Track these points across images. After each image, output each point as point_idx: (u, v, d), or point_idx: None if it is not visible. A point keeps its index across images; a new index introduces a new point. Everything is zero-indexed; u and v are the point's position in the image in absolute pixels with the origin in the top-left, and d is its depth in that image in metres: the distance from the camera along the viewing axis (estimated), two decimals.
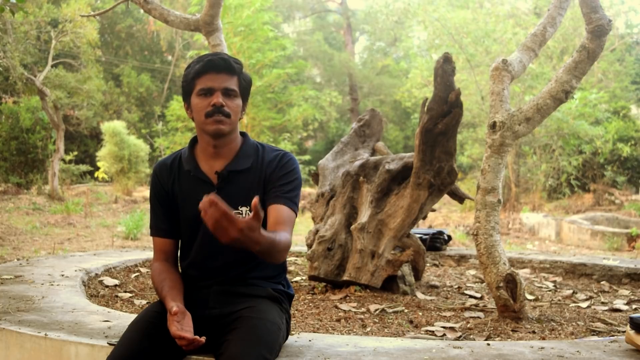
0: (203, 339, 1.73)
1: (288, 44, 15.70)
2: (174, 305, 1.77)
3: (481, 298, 3.65)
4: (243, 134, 2.03)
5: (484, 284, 4.02)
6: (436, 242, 5.16)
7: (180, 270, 2.03)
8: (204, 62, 1.87)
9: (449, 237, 5.38)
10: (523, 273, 4.55)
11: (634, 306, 3.52)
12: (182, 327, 1.74)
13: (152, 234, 2.02)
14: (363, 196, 3.74)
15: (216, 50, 4.33)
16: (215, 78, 1.86)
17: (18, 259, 4.48)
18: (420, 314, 3.12)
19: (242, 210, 1.92)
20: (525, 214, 11.18)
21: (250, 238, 1.56)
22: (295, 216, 1.92)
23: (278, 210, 1.88)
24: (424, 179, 3.44)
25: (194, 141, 2.00)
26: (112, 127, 14.44)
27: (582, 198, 13.37)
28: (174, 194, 1.98)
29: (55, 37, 12.60)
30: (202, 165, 1.96)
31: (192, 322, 1.78)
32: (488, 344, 2.21)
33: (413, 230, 4.22)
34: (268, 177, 1.93)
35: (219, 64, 1.87)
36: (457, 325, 2.86)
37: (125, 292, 3.47)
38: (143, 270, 4.13)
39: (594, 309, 3.41)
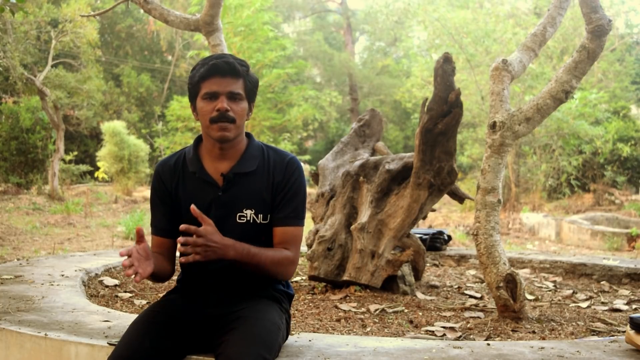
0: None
1: (288, 44, 15.71)
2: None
3: (481, 298, 3.65)
4: (248, 135, 2.01)
5: (484, 284, 4.02)
6: (436, 242, 5.16)
7: (181, 270, 2.03)
8: (208, 66, 1.86)
9: (449, 237, 5.38)
10: (523, 273, 4.55)
11: (634, 306, 3.52)
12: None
13: (152, 233, 2.01)
14: (363, 196, 3.74)
15: (216, 50, 4.33)
16: (220, 82, 1.85)
17: (18, 259, 4.48)
18: (420, 314, 3.12)
19: (246, 213, 1.91)
20: (525, 214, 11.18)
21: (216, 242, 1.75)
22: (302, 228, 1.97)
23: (283, 233, 1.93)
24: (424, 179, 3.44)
25: (198, 140, 1.99)
26: (112, 127, 14.45)
27: (582, 198, 13.37)
28: (177, 194, 1.96)
29: (55, 37, 12.61)
30: (207, 167, 1.94)
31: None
32: (488, 344, 2.22)
33: (413, 230, 4.22)
34: (277, 185, 1.94)
35: (223, 68, 1.85)
36: (457, 325, 2.86)
37: (125, 292, 3.47)
38: None
39: (594, 309, 3.41)
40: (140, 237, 1.76)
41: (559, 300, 3.68)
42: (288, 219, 1.93)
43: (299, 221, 1.95)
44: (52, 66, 12.75)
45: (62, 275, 3.49)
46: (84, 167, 15.35)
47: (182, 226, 1.73)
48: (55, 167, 11.90)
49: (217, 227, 1.92)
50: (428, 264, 4.75)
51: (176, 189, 1.96)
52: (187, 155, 1.98)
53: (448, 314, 3.15)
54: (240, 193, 1.92)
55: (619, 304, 3.53)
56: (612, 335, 2.70)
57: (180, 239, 1.71)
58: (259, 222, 1.92)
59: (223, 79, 1.85)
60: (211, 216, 1.91)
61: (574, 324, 2.97)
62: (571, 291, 3.93)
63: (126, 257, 1.70)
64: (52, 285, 3.20)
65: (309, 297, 3.45)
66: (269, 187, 1.93)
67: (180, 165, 1.98)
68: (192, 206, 1.76)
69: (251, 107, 1.96)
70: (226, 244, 1.77)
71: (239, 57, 1.95)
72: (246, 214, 1.91)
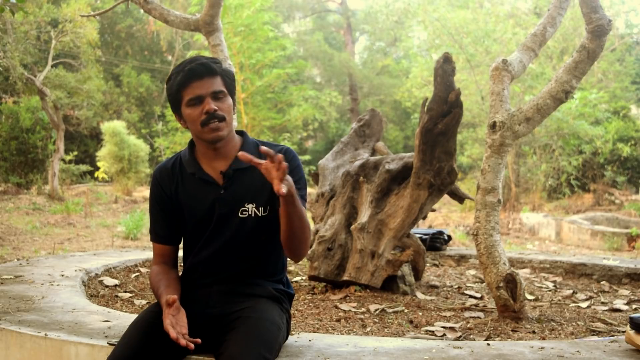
0: (193, 344, 1.70)
1: (288, 44, 15.70)
2: (170, 296, 1.75)
3: (481, 298, 3.65)
4: (242, 133, 2.02)
5: (484, 284, 4.02)
6: (436, 242, 5.16)
7: (184, 268, 2.03)
8: (184, 73, 1.86)
9: (449, 237, 5.38)
10: (523, 273, 4.55)
11: (634, 306, 3.52)
12: (177, 321, 1.73)
13: (153, 240, 2.02)
14: (363, 196, 3.74)
15: (216, 50, 4.33)
16: (201, 85, 1.85)
17: (18, 259, 4.48)
18: (420, 314, 3.12)
19: (248, 208, 1.92)
20: (525, 214, 11.18)
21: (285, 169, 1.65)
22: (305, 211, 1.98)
23: None
24: (424, 179, 3.44)
25: (192, 143, 1.99)
26: (112, 127, 14.44)
27: (582, 198, 13.37)
28: (177, 197, 1.96)
29: (55, 37, 12.60)
30: (205, 167, 1.95)
31: (186, 319, 1.77)
32: (488, 344, 2.22)
33: (413, 230, 4.22)
34: None
35: (199, 71, 1.85)
36: (457, 325, 2.86)
37: (125, 292, 3.47)
38: (143, 270, 4.13)
39: (594, 309, 3.41)
40: (171, 305, 1.74)
41: (559, 300, 3.68)
42: None
43: (304, 203, 1.94)
44: (52, 66, 12.74)
45: (62, 275, 3.49)
46: (84, 167, 15.33)
47: (263, 149, 1.62)
48: (55, 167, 11.89)
49: (220, 224, 1.93)
50: (428, 264, 4.75)
51: (176, 193, 1.96)
52: (183, 158, 1.98)
53: (448, 314, 3.15)
54: (241, 189, 1.92)
55: (619, 304, 3.53)
56: (612, 335, 2.70)
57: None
58: (260, 215, 1.93)
59: (202, 81, 1.85)
60: (215, 215, 1.91)
61: (574, 324, 2.97)
62: (571, 291, 3.93)
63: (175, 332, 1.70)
64: (52, 285, 3.20)
65: (309, 297, 3.45)
66: None
67: (178, 168, 1.98)
68: (241, 153, 1.65)
69: (234, 101, 1.96)
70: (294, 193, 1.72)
71: (213, 57, 1.95)
72: (248, 208, 1.92)
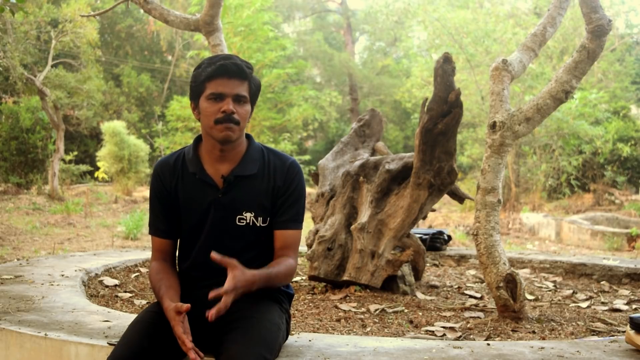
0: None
1: (288, 44, 15.71)
2: (180, 304, 1.75)
3: (481, 298, 3.65)
4: (248, 137, 2.01)
5: (484, 284, 4.02)
6: (436, 242, 5.16)
7: (180, 270, 2.03)
8: (216, 66, 1.84)
9: (449, 237, 5.38)
10: (523, 273, 4.55)
11: (634, 306, 3.52)
12: (185, 329, 1.74)
13: (150, 233, 2.02)
14: (363, 196, 3.74)
15: (216, 50, 4.33)
16: (227, 83, 1.84)
17: (18, 259, 4.49)
18: (420, 314, 3.12)
19: (246, 216, 1.92)
20: (525, 214, 11.18)
21: (244, 286, 1.71)
22: (301, 230, 1.99)
23: (284, 236, 1.95)
24: (424, 179, 3.44)
25: (198, 140, 1.98)
26: (112, 127, 14.44)
27: (582, 198, 13.37)
28: (176, 194, 1.96)
29: (55, 37, 12.60)
30: (207, 168, 1.94)
31: (188, 323, 1.77)
32: (488, 344, 2.22)
33: (413, 230, 4.22)
34: (277, 189, 1.94)
35: (231, 69, 1.84)
36: (457, 325, 2.86)
37: (125, 292, 3.47)
38: (143, 270, 4.13)
39: (594, 309, 3.41)
40: (181, 313, 1.74)
41: (559, 300, 3.68)
42: (290, 223, 1.95)
43: (299, 224, 1.97)
44: (52, 66, 12.74)
45: (62, 275, 3.49)
46: (84, 167, 15.33)
47: (211, 293, 1.67)
48: (55, 167, 11.89)
49: (217, 228, 1.92)
50: (428, 264, 4.75)
51: (175, 189, 1.96)
52: (186, 156, 1.97)
53: (448, 314, 3.15)
54: (240, 195, 1.92)
55: (619, 304, 3.53)
56: (612, 335, 2.70)
57: (212, 312, 1.64)
58: (258, 224, 1.93)
59: (230, 80, 1.84)
60: (210, 218, 1.91)
61: (574, 324, 2.97)
62: (571, 291, 3.93)
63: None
64: (52, 285, 3.20)
65: (309, 297, 3.45)
66: (269, 191, 1.94)
67: (180, 165, 1.97)
68: (213, 253, 1.71)
69: (252, 109, 1.95)
70: (250, 280, 1.74)
71: (243, 59, 1.95)
72: (246, 216, 1.91)
